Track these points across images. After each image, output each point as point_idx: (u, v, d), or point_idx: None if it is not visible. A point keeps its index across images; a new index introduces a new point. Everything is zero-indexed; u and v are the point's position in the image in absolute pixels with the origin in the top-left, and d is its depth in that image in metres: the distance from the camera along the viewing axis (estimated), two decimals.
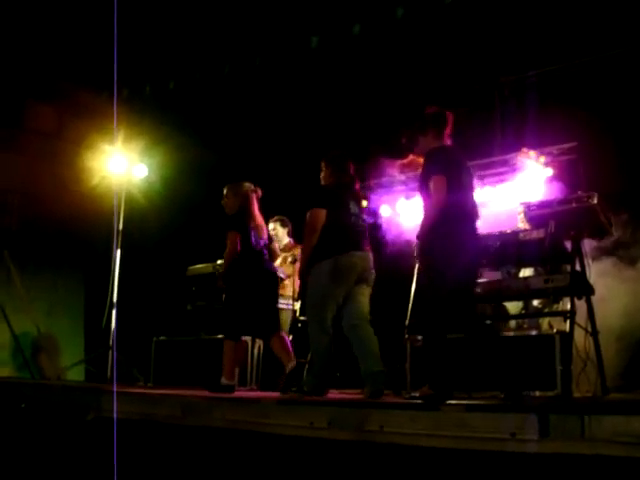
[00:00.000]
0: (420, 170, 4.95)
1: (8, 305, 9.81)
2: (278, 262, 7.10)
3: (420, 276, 4.77)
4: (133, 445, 4.71)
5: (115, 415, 4.71)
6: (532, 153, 7.60)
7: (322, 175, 5.79)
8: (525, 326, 6.21)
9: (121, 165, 9.00)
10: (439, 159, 4.78)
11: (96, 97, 10.16)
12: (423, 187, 4.77)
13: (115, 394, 5.31)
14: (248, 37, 8.71)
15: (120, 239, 8.60)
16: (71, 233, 10.40)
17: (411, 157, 6.47)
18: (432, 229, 4.62)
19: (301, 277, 5.52)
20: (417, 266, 5.55)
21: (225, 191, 6.54)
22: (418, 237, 4.68)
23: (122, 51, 6.76)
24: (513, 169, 8.02)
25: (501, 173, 8.34)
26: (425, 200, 4.77)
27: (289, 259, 7.48)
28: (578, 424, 3.04)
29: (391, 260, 7.49)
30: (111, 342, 8.44)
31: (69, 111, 10.83)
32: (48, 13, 9.04)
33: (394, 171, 7.92)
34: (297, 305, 7.60)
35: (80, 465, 4.88)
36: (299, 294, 7.59)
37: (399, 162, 7.39)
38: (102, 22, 8.22)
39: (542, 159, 7.62)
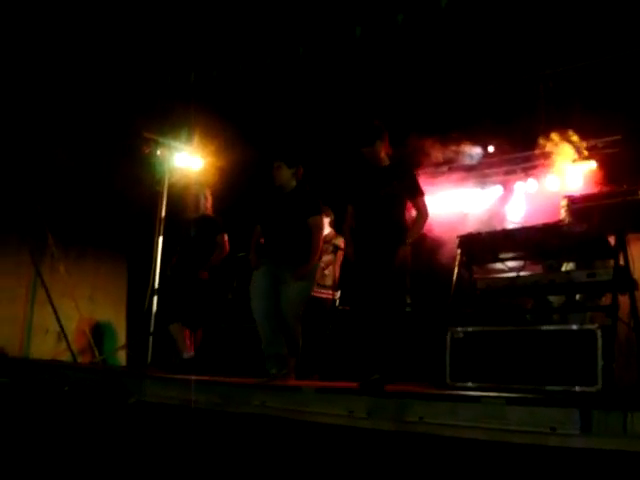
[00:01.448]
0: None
1: (52, 290, 9.99)
2: None
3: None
4: (172, 430, 4.76)
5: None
6: (574, 137, 7.56)
7: (282, 175, 5.98)
8: (567, 320, 6.14)
9: (166, 152, 9.09)
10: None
11: None
12: (405, 196, 5.43)
13: (156, 379, 5.40)
14: (291, 27, 8.70)
15: (163, 226, 8.69)
16: (115, 219, 10.51)
17: None
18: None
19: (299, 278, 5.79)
20: (458, 258, 5.54)
21: (204, 192, 7.22)
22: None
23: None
24: (555, 161, 7.96)
25: (544, 165, 8.28)
26: (401, 204, 5.42)
27: (330, 248, 7.53)
28: (620, 420, 3.02)
29: (432, 252, 7.51)
30: (152, 328, 8.55)
31: None
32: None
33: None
34: (337, 294, 7.66)
35: (120, 448, 4.95)
36: (338, 283, 7.67)
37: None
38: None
39: (583, 145, 7.57)
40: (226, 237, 6.96)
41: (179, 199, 8.27)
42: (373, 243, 5.35)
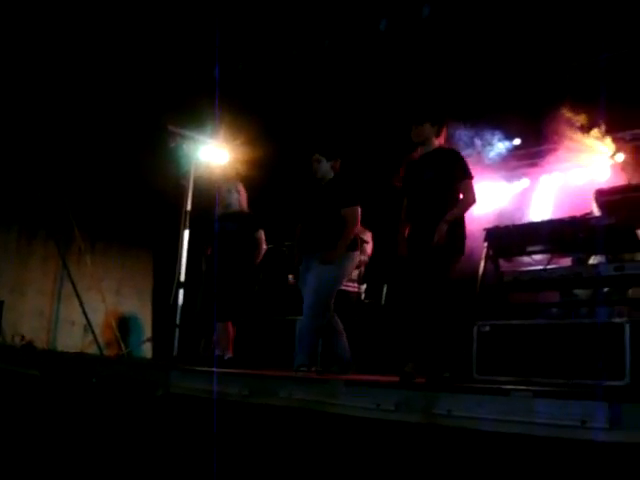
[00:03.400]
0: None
1: (79, 283, 10.08)
2: None
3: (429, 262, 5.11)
4: (200, 422, 4.79)
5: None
6: (599, 134, 7.50)
7: (321, 168, 6.05)
8: (595, 313, 6.10)
9: (191, 145, 9.11)
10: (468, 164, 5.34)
11: None
12: (446, 181, 5.18)
13: (183, 371, 5.43)
14: (316, 20, 8.68)
15: (188, 220, 8.73)
16: (140, 213, 10.58)
17: None
18: (460, 225, 5.16)
19: (326, 262, 5.73)
20: (484, 251, 5.52)
21: (236, 186, 7.18)
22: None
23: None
24: (582, 154, 7.91)
25: (570, 158, 8.22)
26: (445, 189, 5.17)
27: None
28: None
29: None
30: (178, 320, 8.60)
31: None
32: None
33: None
34: (362, 288, 7.70)
35: (149, 439, 4.99)
36: (364, 277, 7.68)
37: None
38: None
39: (609, 141, 7.52)
40: (263, 234, 6.99)
41: (207, 193, 8.28)
42: (417, 230, 5.25)
